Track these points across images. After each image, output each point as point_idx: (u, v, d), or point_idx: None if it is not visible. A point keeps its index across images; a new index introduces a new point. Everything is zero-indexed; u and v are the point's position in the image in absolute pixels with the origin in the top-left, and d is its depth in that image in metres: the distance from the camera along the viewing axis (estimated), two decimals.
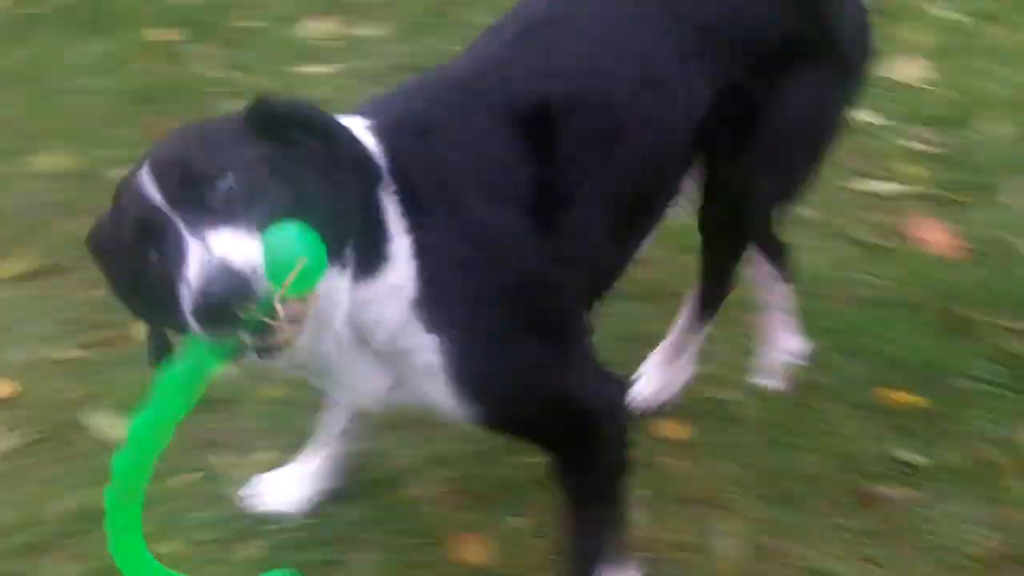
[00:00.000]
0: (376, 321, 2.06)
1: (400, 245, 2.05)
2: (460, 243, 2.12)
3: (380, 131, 2.12)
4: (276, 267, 1.75)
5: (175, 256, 1.79)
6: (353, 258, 1.99)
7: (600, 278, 2.50)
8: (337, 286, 1.96)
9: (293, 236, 1.79)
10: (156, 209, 1.83)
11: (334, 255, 1.89)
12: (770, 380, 3.14)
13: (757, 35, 2.47)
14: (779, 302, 3.14)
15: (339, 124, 2.00)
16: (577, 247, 2.30)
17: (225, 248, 1.75)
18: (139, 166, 1.90)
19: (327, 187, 1.92)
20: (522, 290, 2.19)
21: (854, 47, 2.67)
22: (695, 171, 2.59)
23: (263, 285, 1.73)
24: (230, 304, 1.71)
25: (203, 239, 1.76)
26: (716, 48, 2.41)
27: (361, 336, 2.08)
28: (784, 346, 3.15)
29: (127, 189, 1.91)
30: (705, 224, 2.72)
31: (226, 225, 1.78)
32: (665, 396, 3.05)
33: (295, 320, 1.81)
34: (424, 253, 2.07)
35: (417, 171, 2.11)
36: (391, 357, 2.12)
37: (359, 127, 2.09)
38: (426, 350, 2.10)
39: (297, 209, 1.83)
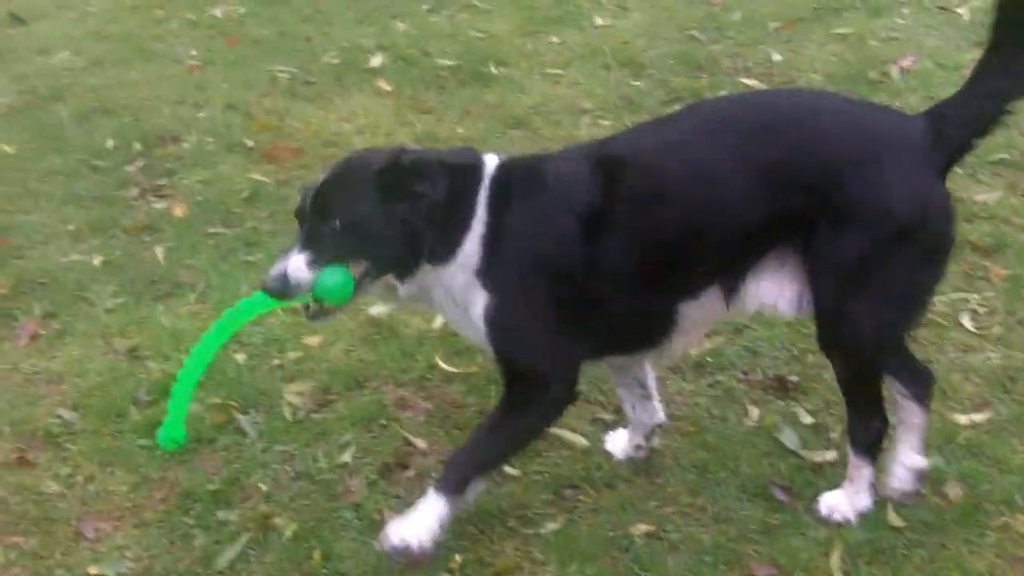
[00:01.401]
0: (451, 286, 3.26)
1: (477, 233, 3.20)
2: (523, 234, 3.20)
3: (508, 158, 3.36)
4: (320, 286, 3.15)
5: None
6: (436, 251, 3.20)
7: (622, 318, 3.32)
8: (395, 283, 3.27)
9: (335, 276, 3.14)
10: (304, 211, 3.22)
11: (388, 273, 3.24)
12: (892, 494, 3.50)
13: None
14: (905, 421, 3.44)
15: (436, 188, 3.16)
16: (606, 273, 3.20)
17: (292, 267, 3.13)
18: (327, 174, 3.28)
19: (400, 239, 3.16)
20: (554, 281, 3.21)
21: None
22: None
23: (297, 293, 3.17)
24: (277, 294, 3.17)
25: (294, 251, 3.16)
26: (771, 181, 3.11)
27: (448, 294, 3.29)
28: (906, 463, 3.47)
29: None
30: (824, 350, 3.37)
31: (306, 251, 3.14)
32: (838, 518, 3.46)
33: (325, 313, 3.27)
34: (494, 239, 3.19)
35: (513, 182, 3.24)
36: (465, 306, 3.28)
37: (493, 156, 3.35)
38: (478, 304, 3.24)
39: (360, 255, 3.16)
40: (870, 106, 3.56)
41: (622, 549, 3.42)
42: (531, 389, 3.32)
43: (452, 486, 3.29)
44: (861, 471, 3.42)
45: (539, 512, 3.58)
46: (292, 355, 4.47)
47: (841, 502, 3.46)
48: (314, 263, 3.11)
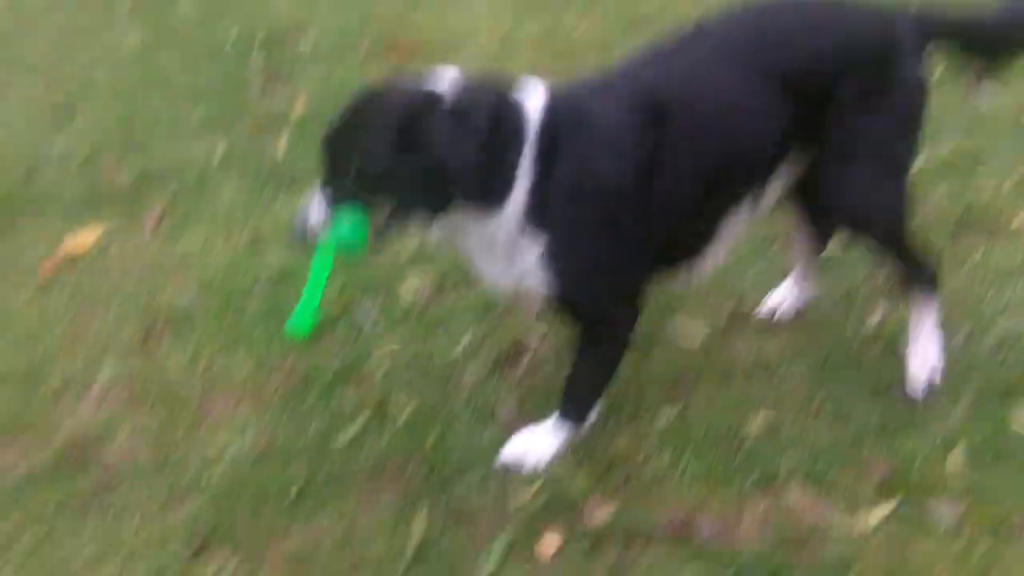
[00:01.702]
0: (499, 231, 3.09)
1: (526, 180, 3.03)
2: (575, 174, 3.06)
3: (551, 95, 3.10)
4: (334, 238, 3.06)
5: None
6: (478, 199, 3.03)
7: (673, 240, 3.34)
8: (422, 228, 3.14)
9: (349, 227, 3.03)
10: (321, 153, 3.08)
11: (408, 218, 3.08)
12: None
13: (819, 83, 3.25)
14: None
15: (470, 133, 2.94)
16: (662, 207, 3.18)
17: (311, 211, 3.08)
18: (343, 109, 3.06)
19: (425, 183, 2.97)
20: (611, 220, 3.14)
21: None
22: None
23: (313, 238, 3.10)
24: (296, 239, 3.16)
25: (314, 194, 3.06)
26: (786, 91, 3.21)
27: (490, 243, 3.14)
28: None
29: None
30: (855, 236, 3.61)
31: (325, 192, 3.04)
32: (936, 376, 3.57)
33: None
34: (546, 186, 3.04)
35: (560, 123, 3.05)
36: (511, 254, 3.14)
37: (539, 92, 3.11)
38: (533, 248, 3.11)
39: (380, 197, 3.00)
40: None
41: (737, 442, 3.40)
42: (602, 326, 3.33)
43: (572, 415, 3.42)
44: (930, 310, 3.57)
45: (653, 404, 3.57)
46: (411, 244, 4.50)
47: (928, 354, 3.56)
48: (331, 205, 3.03)
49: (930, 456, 3.31)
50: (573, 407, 3.42)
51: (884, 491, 3.22)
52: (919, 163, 3.58)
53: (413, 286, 4.25)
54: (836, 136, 3.29)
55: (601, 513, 3.19)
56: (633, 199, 3.13)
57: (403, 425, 3.61)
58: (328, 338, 4.04)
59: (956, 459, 3.28)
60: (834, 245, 4.11)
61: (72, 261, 4.67)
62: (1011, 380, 3.58)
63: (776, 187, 3.42)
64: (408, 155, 2.91)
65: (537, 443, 3.42)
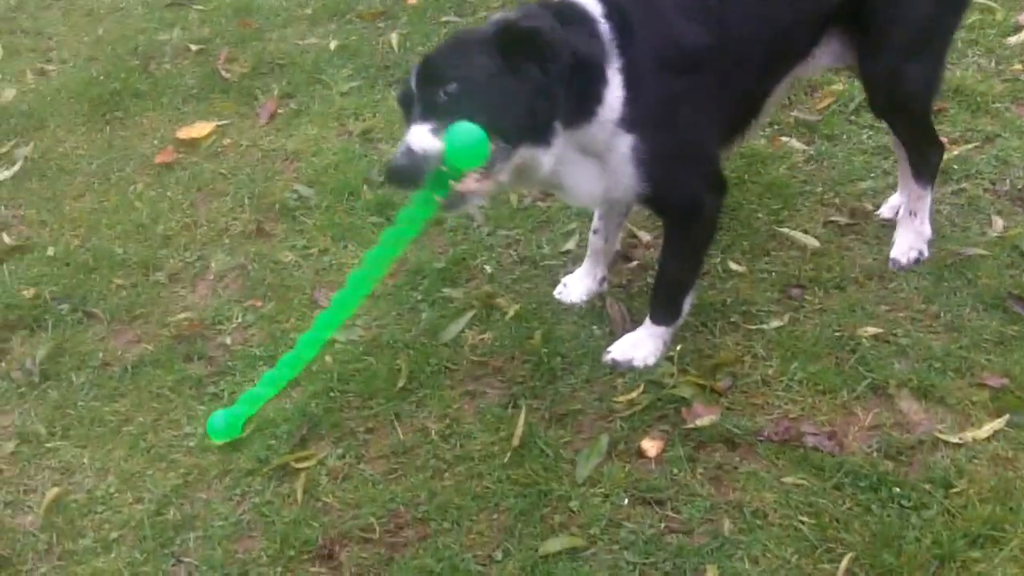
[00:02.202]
0: (594, 138, 3.05)
1: (615, 82, 2.99)
2: (658, 72, 3.04)
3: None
4: (450, 148, 2.76)
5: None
6: (574, 113, 2.97)
7: (743, 106, 3.37)
8: (534, 153, 2.97)
9: (466, 133, 2.76)
10: (409, 92, 2.93)
11: (519, 142, 2.91)
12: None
13: None
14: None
15: (563, 47, 2.88)
16: (734, 70, 3.18)
17: (413, 138, 2.81)
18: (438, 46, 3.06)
19: (529, 101, 2.88)
20: (695, 96, 3.12)
21: None
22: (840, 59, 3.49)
23: (427, 166, 2.78)
24: (404, 175, 2.83)
25: (411, 126, 2.85)
26: None
27: (583, 149, 3.07)
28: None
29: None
30: (878, 112, 3.61)
31: (426, 121, 2.82)
32: (915, 255, 3.67)
33: (468, 188, 2.86)
34: (631, 87, 3.00)
35: (627, 16, 3.01)
36: (602, 159, 3.09)
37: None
38: (624, 146, 3.06)
39: (486, 118, 2.79)
40: None
41: (848, 350, 3.35)
42: (693, 211, 3.29)
43: (665, 316, 3.43)
44: (924, 200, 3.65)
45: (763, 309, 3.53)
46: None
47: (910, 238, 3.66)
48: (437, 130, 2.81)
49: None
50: (664, 307, 3.43)
51: (996, 405, 3.15)
52: None
53: None
54: (875, 10, 3.32)
55: (705, 416, 3.18)
56: (710, 64, 3.12)
57: (509, 321, 3.63)
58: (437, 234, 4.06)
59: None
60: (959, 151, 4.02)
61: (188, 150, 4.75)
62: None
63: (819, 59, 3.49)
64: (512, 76, 2.87)
65: (642, 344, 3.43)
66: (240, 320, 3.78)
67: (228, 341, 3.71)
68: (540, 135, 2.95)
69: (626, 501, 3.01)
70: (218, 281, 3.98)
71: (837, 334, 3.40)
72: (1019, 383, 3.19)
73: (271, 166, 4.58)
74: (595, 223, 3.67)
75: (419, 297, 3.78)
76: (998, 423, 3.09)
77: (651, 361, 3.41)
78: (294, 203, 4.30)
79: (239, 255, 4.08)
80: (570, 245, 3.93)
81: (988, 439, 3.06)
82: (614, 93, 3.01)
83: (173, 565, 3.02)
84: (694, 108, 3.15)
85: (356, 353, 3.58)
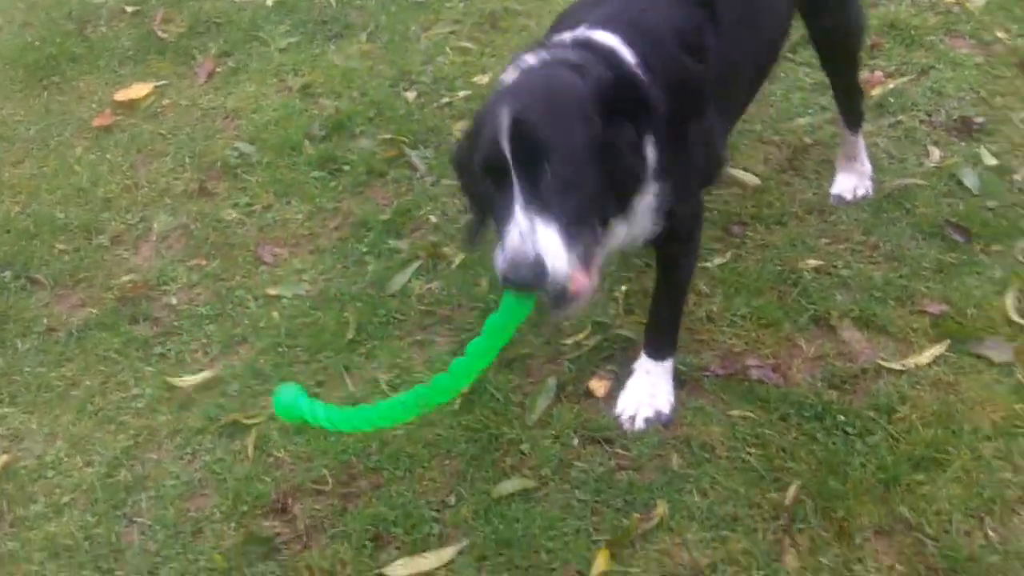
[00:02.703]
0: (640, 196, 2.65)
1: (651, 139, 2.57)
2: (677, 116, 2.59)
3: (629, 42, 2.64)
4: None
5: (506, 204, 2.35)
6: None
7: (733, 121, 3.21)
8: (617, 226, 2.60)
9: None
10: (502, 159, 2.35)
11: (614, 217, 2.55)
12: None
13: None
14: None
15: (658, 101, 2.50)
16: (728, 87, 2.94)
17: (542, 245, 2.30)
18: (497, 101, 2.43)
19: (628, 167, 2.51)
20: (703, 132, 2.78)
21: None
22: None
23: (560, 278, 2.31)
24: (529, 286, 2.32)
25: (530, 220, 2.31)
26: None
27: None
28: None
29: (485, 124, 2.44)
30: (823, 61, 3.61)
31: (546, 218, 2.32)
32: (862, 192, 3.71)
33: (582, 289, 2.37)
34: (660, 135, 2.57)
35: (653, 63, 2.62)
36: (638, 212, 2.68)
37: (617, 44, 2.63)
38: (651, 194, 2.66)
39: (598, 200, 2.44)
40: None
41: (790, 283, 3.39)
42: (694, 236, 3.02)
43: (670, 348, 3.12)
44: (859, 144, 3.73)
45: (706, 247, 3.54)
46: (461, 93, 4.47)
47: (853, 178, 3.72)
48: (558, 230, 2.35)
49: (984, 296, 3.27)
50: (668, 338, 3.12)
51: (937, 331, 3.20)
52: None
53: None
54: None
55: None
56: (712, 97, 2.80)
57: (456, 270, 3.63)
58: (380, 186, 4.05)
59: (1010, 300, 3.25)
60: (894, 84, 4.05)
61: (127, 113, 4.70)
62: None
63: None
64: (612, 143, 2.47)
65: (658, 388, 3.11)
66: (185, 280, 3.76)
67: (174, 301, 3.69)
68: (626, 204, 2.61)
69: (576, 441, 3.04)
70: (161, 242, 3.96)
71: (779, 269, 3.43)
72: (959, 309, 3.24)
73: (211, 125, 4.54)
74: None
75: (365, 249, 3.77)
76: (939, 349, 3.14)
77: (672, 401, 3.10)
78: (235, 161, 4.27)
79: (181, 215, 4.05)
80: None
81: (930, 365, 3.11)
82: (651, 145, 2.60)
83: (126, 526, 3.02)
84: (703, 143, 2.85)
85: (303, 308, 3.58)
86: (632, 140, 2.50)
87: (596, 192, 2.43)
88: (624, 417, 3.09)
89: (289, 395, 2.66)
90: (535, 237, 2.30)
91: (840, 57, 3.58)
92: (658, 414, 3.07)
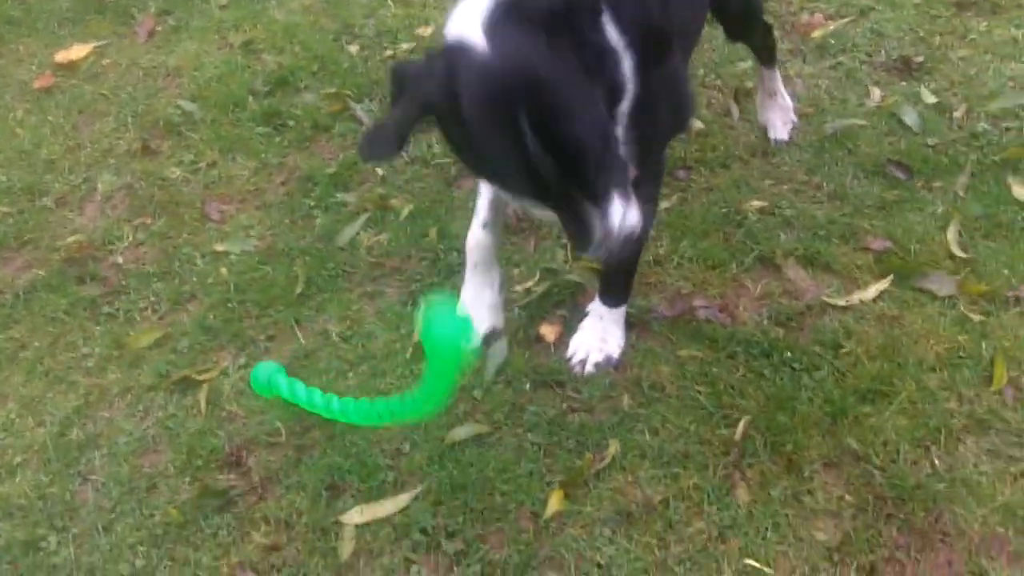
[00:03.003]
0: None
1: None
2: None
3: None
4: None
5: (597, 188, 2.22)
6: None
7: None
8: None
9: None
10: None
11: None
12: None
13: None
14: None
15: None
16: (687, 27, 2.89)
17: (631, 225, 2.26)
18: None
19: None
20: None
21: None
22: None
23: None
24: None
25: (625, 202, 2.25)
26: None
27: None
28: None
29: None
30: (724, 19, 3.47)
31: (630, 199, 2.27)
32: (790, 125, 3.74)
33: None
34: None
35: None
36: None
37: None
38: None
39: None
40: None
41: (735, 224, 3.42)
42: (659, 185, 2.97)
43: (624, 296, 3.12)
44: (776, 78, 3.73)
45: None
46: (405, 46, 4.46)
47: (779, 114, 3.75)
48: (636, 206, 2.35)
49: (927, 231, 3.33)
50: (622, 287, 3.11)
51: (880, 267, 3.25)
52: None
53: None
54: None
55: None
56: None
57: (404, 221, 3.63)
58: (326, 140, 4.04)
59: (952, 234, 3.31)
60: (835, 26, 4.07)
61: (67, 74, 4.64)
62: (1009, 153, 3.57)
63: None
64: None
65: (610, 334, 3.13)
66: (131, 239, 3.73)
67: (120, 260, 3.66)
68: None
69: (528, 386, 3.06)
70: (106, 202, 3.92)
71: (724, 211, 3.46)
72: (902, 245, 3.29)
73: (153, 84, 4.49)
74: (485, 215, 3.02)
75: (312, 204, 3.76)
76: (883, 284, 3.19)
77: (622, 346, 3.13)
78: (178, 119, 4.23)
79: (125, 174, 4.01)
80: None
81: (874, 300, 3.16)
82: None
83: (80, 484, 3.00)
84: (674, 89, 2.73)
85: (252, 263, 3.56)
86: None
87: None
88: (575, 360, 3.11)
89: (265, 373, 2.62)
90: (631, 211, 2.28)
91: (745, 30, 3.57)
92: (608, 358, 3.10)
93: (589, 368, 3.09)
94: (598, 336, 3.12)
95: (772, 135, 3.74)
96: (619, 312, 3.14)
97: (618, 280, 3.10)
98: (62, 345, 3.40)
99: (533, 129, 2.12)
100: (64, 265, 3.66)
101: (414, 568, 2.69)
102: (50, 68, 4.70)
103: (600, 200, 2.24)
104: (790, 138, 3.71)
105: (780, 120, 3.74)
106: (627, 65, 2.37)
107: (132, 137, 4.19)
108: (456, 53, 2.22)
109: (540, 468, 2.85)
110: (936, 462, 2.75)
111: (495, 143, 2.20)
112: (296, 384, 2.51)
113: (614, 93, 2.37)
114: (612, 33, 2.32)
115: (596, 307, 3.16)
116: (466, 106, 2.18)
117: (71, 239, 3.76)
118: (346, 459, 2.92)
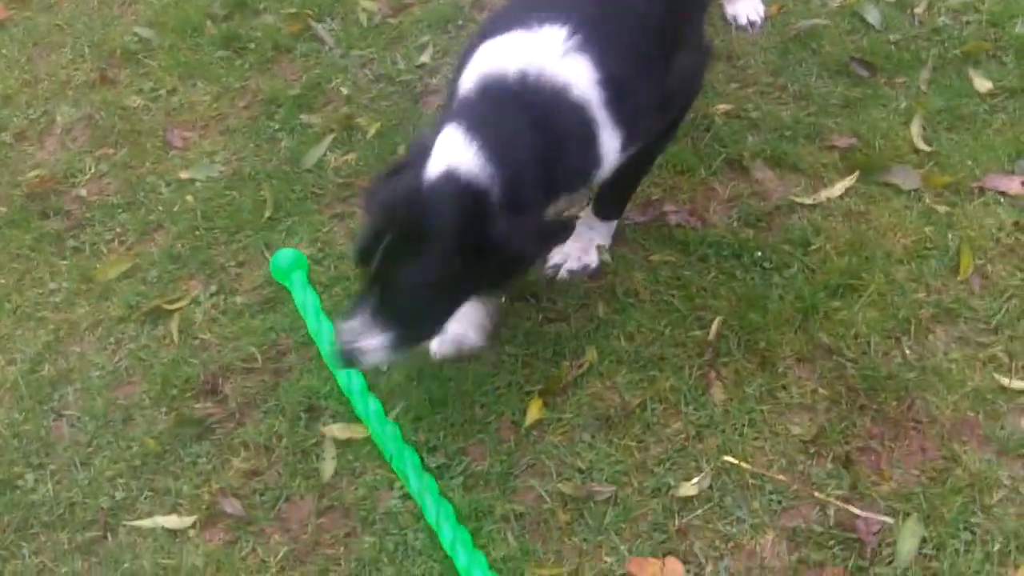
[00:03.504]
0: None
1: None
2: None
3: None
4: None
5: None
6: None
7: None
8: None
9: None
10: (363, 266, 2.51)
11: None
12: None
13: None
14: None
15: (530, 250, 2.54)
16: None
17: (356, 338, 2.49)
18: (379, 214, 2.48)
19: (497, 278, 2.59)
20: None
21: None
22: None
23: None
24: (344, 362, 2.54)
25: (357, 317, 2.49)
26: None
27: None
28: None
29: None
30: None
31: (367, 321, 2.48)
32: (760, 13, 3.74)
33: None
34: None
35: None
36: None
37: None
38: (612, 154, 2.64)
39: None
40: None
41: (702, 129, 3.41)
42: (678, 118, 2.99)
43: (618, 210, 3.11)
44: None
45: None
46: None
47: (747, 4, 3.77)
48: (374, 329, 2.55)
49: (891, 127, 3.34)
50: (619, 202, 3.09)
51: (846, 164, 3.26)
52: None
53: (370, 3, 4.14)
54: None
55: (574, 208, 3.21)
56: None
57: (372, 140, 3.60)
58: (288, 62, 3.98)
59: (916, 128, 3.32)
60: None
61: (20, 6, 4.55)
62: (969, 46, 3.58)
63: None
64: (477, 265, 2.44)
65: (590, 247, 3.09)
66: (93, 171, 3.69)
67: (84, 193, 3.62)
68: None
69: (503, 299, 3.06)
70: (66, 134, 3.87)
71: (691, 116, 3.42)
72: (867, 141, 3.30)
73: (108, 12, 4.40)
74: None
75: (276, 127, 3.72)
76: (849, 181, 3.20)
77: (602, 256, 3.11)
78: (136, 46, 4.16)
79: (85, 106, 3.95)
80: (424, 58, 3.88)
81: (841, 197, 3.18)
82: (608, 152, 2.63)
83: (55, 421, 3.00)
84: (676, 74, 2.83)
85: (218, 189, 3.53)
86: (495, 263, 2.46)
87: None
88: (549, 264, 3.09)
89: (286, 263, 3.10)
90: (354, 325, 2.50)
91: None
92: (584, 267, 3.08)
93: (562, 274, 3.08)
94: (580, 246, 3.09)
95: (743, 21, 3.74)
96: (609, 226, 3.12)
97: (618, 192, 3.04)
98: (29, 281, 3.38)
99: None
100: (26, 201, 3.62)
101: (397, 485, 2.70)
102: (2, 1, 4.61)
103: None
104: (761, 21, 3.72)
105: (751, 5, 3.75)
106: None
107: (90, 67, 4.12)
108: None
109: (518, 379, 2.87)
110: (907, 352, 2.78)
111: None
112: (309, 292, 2.88)
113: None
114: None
115: (587, 218, 3.10)
116: None
117: (32, 174, 3.72)
118: (324, 382, 2.93)
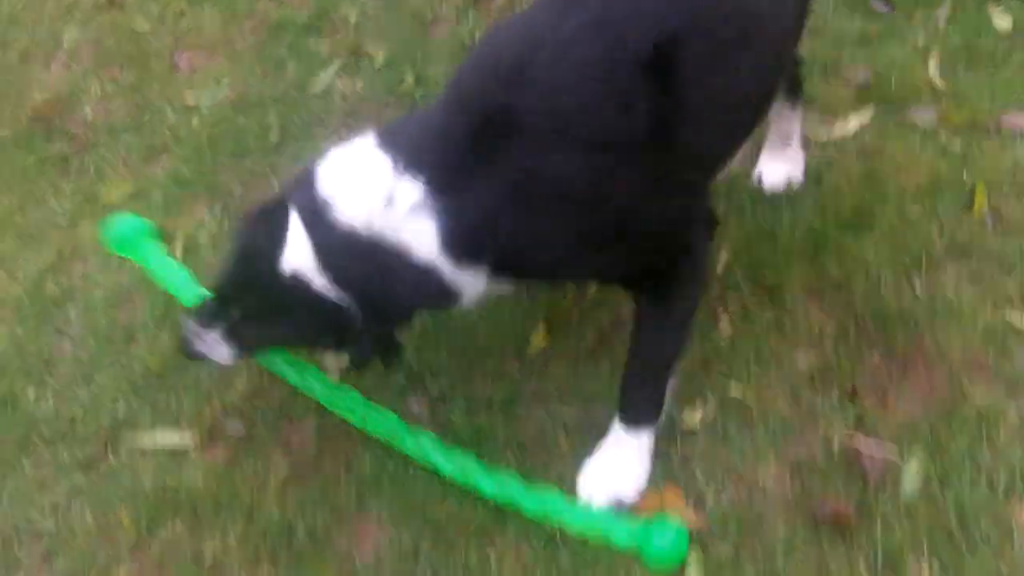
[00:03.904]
0: None
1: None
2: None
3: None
4: None
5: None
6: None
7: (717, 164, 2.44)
8: None
9: None
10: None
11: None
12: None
13: None
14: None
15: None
16: (695, 152, 2.24)
17: (197, 335, 2.39)
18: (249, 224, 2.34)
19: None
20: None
21: None
22: None
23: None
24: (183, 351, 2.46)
25: (199, 320, 2.39)
26: None
27: None
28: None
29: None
30: None
31: (209, 322, 2.36)
32: (795, 179, 3.02)
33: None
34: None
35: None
36: None
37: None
38: None
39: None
40: None
41: None
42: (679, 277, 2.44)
43: (649, 413, 2.50)
44: (797, 118, 3.06)
45: None
46: None
47: (786, 169, 3.06)
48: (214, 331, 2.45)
49: (908, 63, 3.28)
50: (647, 403, 2.49)
51: (862, 99, 3.21)
52: None
53: None
54: None
55: None
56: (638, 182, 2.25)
57: (379, 68, 3.56)
58: None
59: (933, 65, 3.27)
60: None
61: None
62: None
63: None
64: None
65: (627, 465, 2.51)
66: (99, 93, 3.66)
67: (89, 115, 3.60)
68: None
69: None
70: (72, 56, 3.83)
71: None
72: (883, 77, 3.25)
73: None
74: None
75: (284, 52, 3.68)
76: (864, 116, 3.15)
77: (643, 483, 2.50)
78: None
79: (91, 27, 3.92)
80: None
81: (856, 132, 3.13)
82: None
83: (57, 338, 2.99)
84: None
85: (224, 113, 3.50)
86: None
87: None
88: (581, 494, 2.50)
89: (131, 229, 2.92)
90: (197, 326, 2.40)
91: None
92: (618, 498, 2.47)
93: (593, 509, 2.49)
94: (608, 470, 2.51)
95: (766, 181, 3.06)
96: (642, 438, 2.50)
97: (643, 385, 2.49)
98: (33, 202, 3.36)
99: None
100: (31, 122, 3.61)
101: (400, 407, 2.69)
102: None
103: None
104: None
105: (784, 171, 3.05)
106: None
107: None
108: None
109: (523, 308, 2.84)
110: (917, 288, 2.74)
111: None
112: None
113: None
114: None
115: (615, 427, 2.52)
116: None
117: (38, 95, 3.69)
118: None
